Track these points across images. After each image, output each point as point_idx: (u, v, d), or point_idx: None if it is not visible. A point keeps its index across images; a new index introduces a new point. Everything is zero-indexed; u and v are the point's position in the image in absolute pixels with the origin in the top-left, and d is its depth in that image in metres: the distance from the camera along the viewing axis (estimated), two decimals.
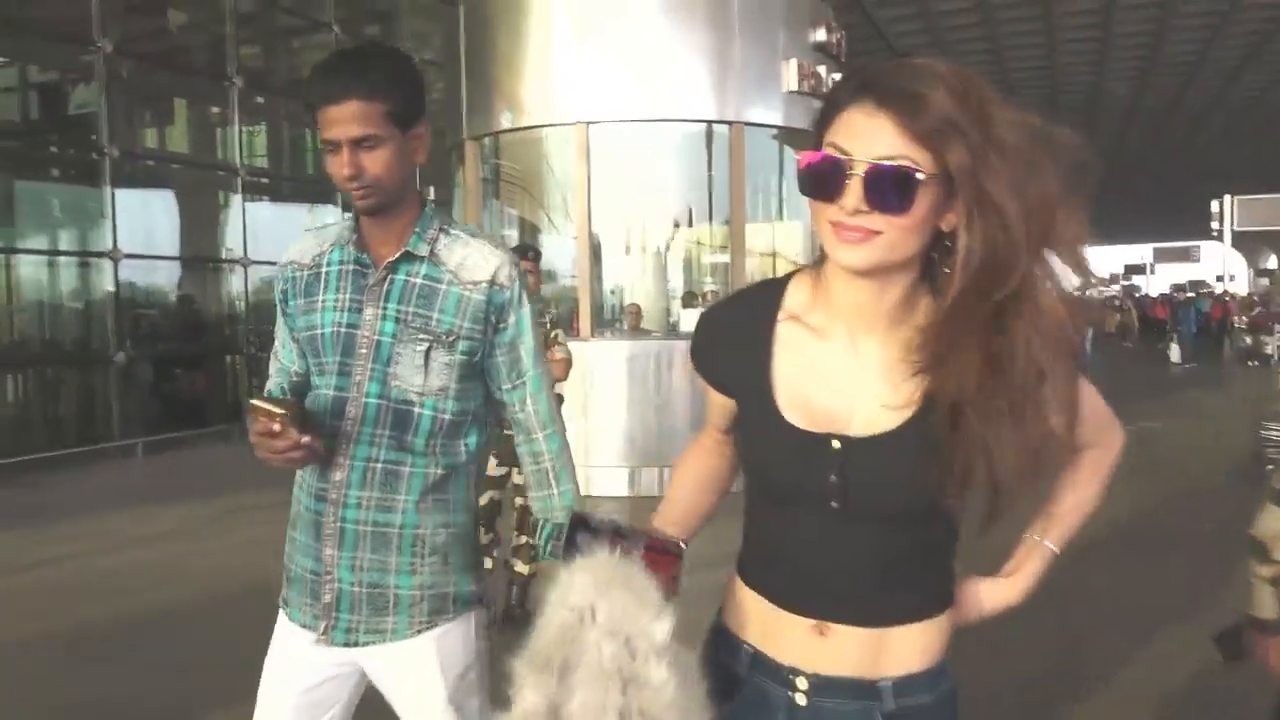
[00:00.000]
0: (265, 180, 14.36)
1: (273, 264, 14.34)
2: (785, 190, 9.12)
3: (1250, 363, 23.06)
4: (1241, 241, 31.84)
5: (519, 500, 4.75)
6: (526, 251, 4.90)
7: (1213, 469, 8.61)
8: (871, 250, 1.14)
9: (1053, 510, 1.38)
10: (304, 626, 1.86)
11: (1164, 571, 5.59)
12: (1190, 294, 35.40)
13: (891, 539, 1.28)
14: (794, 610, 1.31)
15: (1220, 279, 46.89)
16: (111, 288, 10.99)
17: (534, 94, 8.42)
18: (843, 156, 1.13)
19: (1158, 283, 44.79)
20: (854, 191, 1.12)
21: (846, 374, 1.26)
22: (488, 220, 9.31)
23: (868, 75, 1.14)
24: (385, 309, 1.79)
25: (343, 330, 1.81)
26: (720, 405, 1.41)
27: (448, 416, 1.83)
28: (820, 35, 8.73)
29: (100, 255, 10.99)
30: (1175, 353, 22.60)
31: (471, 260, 1.82)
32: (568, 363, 4.78)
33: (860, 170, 1.11)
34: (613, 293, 8.89)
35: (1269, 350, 22.43)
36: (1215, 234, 14.99)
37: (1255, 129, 31.16)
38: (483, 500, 4.58)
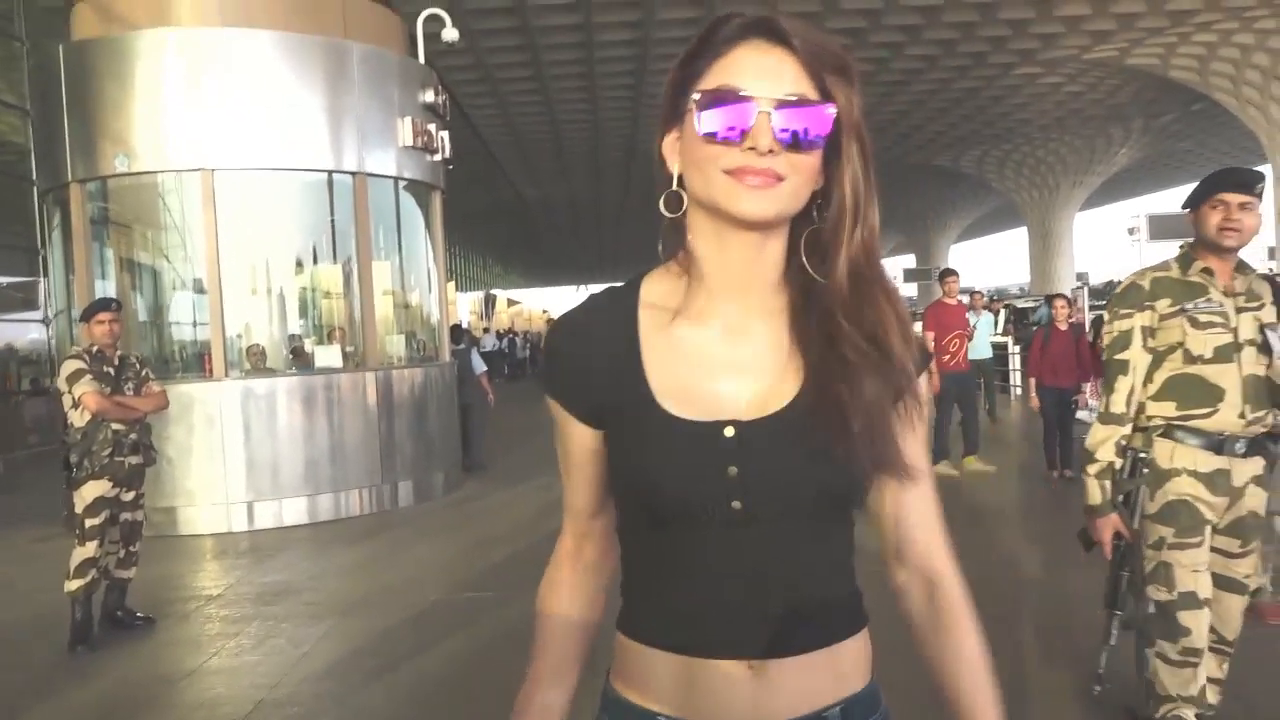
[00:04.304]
0: None
1: None
2: (402, 233, 9.94)
3: None
4: None
5: (125, 516, 5.42)
6: (109, 304, 5.52)
7: None
8: (776, 198, 1.04)
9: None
10: None
11: None
12: None
13: (803, 539, 1.11)
14: (717, 655, 1.09)
15: None
16: None
17: (150, 140, 8.44)
18: (746, 95, 1.03)
19: None
20: (764, 131, 1.02)
21: (727, 357, 1.11)
22: (96, 267, 9.06)
23: (751, 17, 1.07)
24: None
25: None
26: (586, 456, 1.19)
27: None
28: (429, 96, 9.68)
29: None
30: None
31: None
32: (163, 395, 5.64)
33: (769, 107, 1.02)
34: (240, 335, 9.09)
35: None
36: None
37: None
38: (97, 519, 5.24)
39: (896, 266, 43.60)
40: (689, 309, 1.12)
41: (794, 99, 1.03)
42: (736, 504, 1.07)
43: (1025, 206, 36.32)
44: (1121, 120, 29.86)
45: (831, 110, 1.04)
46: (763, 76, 1.03)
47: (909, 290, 40.58)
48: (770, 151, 1.02)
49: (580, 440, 1.18)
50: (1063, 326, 9.04)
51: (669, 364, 1.11)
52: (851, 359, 1.07)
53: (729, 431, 1.07)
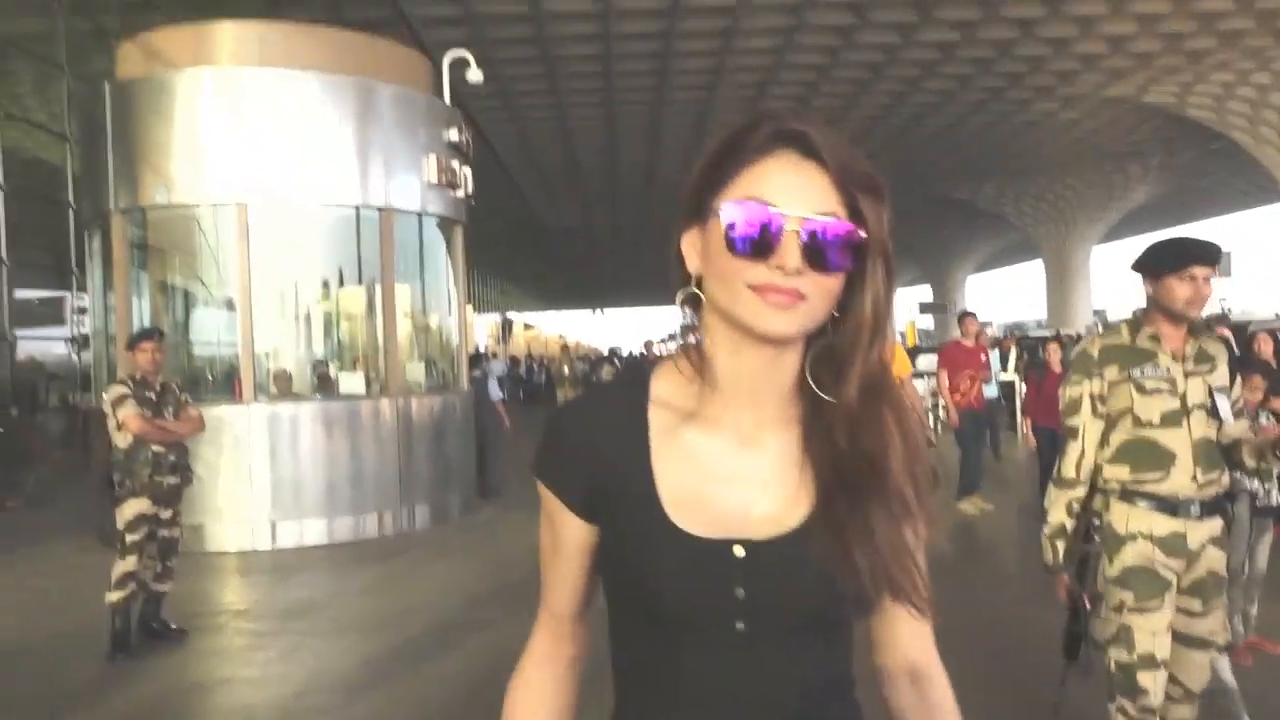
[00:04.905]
0: None
1: None
2: (425, 265, 10.32)
3: None
4: None
5: (163, 532, 5.77)
6: (153, 333, 5.95)
7: None
8: (797, 317, 1.02)
9: None
10: None
11: None
12: None
13: (805, 658, 1.10)
14: None
15: None
16: None
17: (189, 174, 8.86)
18: (775, 211, 1.01)
19: None
20: (791, 250, 1.00)
21: (739, 468, 1.09)
22: (135, 290, 9.48)
23: (781, 125, 1.04)
24: None
25: None
26: (575, 551, 1.16)
27: None
28: (454, 135, 10.10)
29: None
30: None
31: None
32: (200, 419, 6.03)
33: (798, 226, 1.00)
34: (267, 356, 9.49)
35: None
36: None
37: None
38: (137, 535, 5.59)
39: (912, 299, 43.81)
40: (701, 413, 1.09)
41: (824, 219, 1.01)
42: (740, 625, 1.05)
43: (1042, 241, 36.50)
44: (1139, 157, 30.08)
45: (861, 234, 1.03)
46: (793, 191, 1.01)
47: (924, 323, 40.73)
48: (797, 271, 1.00)
49: (571, 533, 1.14)
50: (1056, 368, 9.23)
51: (678, 469, 1.08)
52: (854, 484, 1.06)
53: (739, 551, 1.05)
